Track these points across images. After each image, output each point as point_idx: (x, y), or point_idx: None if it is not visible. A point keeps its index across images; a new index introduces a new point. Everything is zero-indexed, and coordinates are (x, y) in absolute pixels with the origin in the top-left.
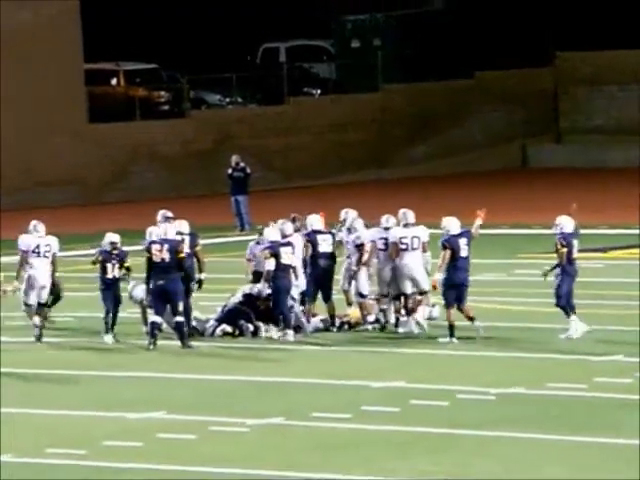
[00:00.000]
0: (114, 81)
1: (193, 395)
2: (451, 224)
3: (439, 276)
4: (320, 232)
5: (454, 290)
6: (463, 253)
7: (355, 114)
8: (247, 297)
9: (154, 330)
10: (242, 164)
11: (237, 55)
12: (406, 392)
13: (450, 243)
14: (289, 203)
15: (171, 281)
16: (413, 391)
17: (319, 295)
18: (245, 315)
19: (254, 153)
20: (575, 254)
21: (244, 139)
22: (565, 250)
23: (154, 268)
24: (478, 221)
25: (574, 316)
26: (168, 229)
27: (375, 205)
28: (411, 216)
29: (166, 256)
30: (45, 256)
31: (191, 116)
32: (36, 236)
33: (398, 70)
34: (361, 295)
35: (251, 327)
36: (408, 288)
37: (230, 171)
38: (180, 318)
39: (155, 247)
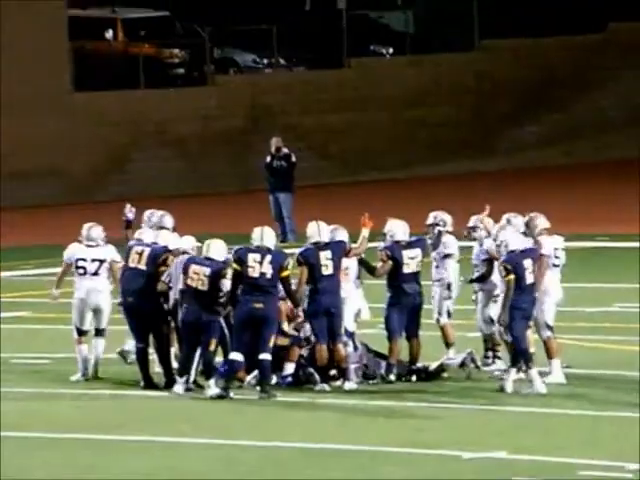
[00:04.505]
0: (109, 34)
1: (219, 467)
2: (313, 232)
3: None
4: (408, 245)
5: (322, 320)
6: (326, 270)
7: (441, 81)
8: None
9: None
10: (285, 150)
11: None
12: (509, 465)
13: (305, 257)
14: (349, 202)
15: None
16: (519, 464)
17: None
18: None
19: (302, 134)
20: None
21: (288, 115)
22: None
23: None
24: (364, 232)
25: None
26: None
27: (466, 207)
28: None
29: (267, 271)
30: (94, 273)
31: (215, 83)
32: (83, 246)
33: (502, 21)
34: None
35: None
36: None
37: (269, 159)
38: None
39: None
